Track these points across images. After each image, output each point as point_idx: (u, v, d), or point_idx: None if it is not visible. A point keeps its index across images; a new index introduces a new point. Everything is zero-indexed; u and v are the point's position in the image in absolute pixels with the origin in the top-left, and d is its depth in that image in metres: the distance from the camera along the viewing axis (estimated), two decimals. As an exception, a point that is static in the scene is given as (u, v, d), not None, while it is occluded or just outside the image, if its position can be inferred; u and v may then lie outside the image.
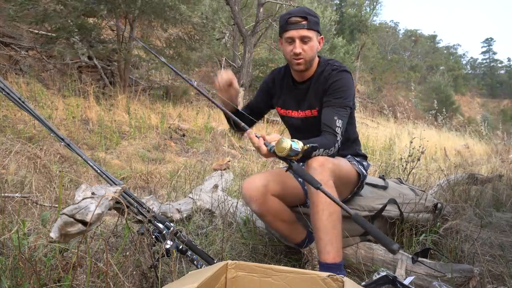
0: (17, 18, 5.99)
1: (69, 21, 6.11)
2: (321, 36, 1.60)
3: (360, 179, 1.69)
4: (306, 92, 1.64)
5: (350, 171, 1.62)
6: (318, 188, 1.20)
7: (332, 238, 1.36)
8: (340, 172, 1.52)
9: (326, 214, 1.36)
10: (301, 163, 1.78)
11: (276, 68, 1.79)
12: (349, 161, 1.66)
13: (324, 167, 1.40)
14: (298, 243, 1.65)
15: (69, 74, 6.72)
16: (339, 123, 1.49)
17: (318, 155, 1.43)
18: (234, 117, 1.46)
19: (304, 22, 1.48)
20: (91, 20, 6.98)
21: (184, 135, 5.97)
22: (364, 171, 1.70)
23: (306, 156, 1.41)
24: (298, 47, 1.51)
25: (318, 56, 1.65)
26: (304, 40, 1.51)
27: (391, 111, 9.81)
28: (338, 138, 1.48)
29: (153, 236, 1.33)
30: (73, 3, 5.75)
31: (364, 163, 1.75)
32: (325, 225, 1.36)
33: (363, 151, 1.82)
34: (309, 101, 1.64)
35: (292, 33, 1.50)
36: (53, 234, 1.08)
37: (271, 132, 5.27)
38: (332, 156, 1.49)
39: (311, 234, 1.64)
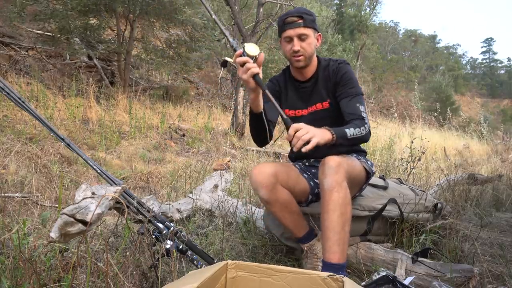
0: (22, 14, 5.97)
1: (71, 21, 6.10)
2: (319, 34, 1.65)
3: (369, 177, 1.72)
4: (313, 88, 1.69)
5: (361, 170, 1.64)
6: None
7: (340, 239, 1.36)
8: (353, 172, 1.54)
9: (337, 214, 1.37)
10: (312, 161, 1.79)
11: (272, 77, 1.80)
12: (357, 159, 1.68)
13: (340, 167, 1.40)
14: (299, 237, 1.64)
15: (71, 74, 6.72)
16: (362, 108, 1.56)
17: (353, 135, 1.45)
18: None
19: (300, 21, 1.55)
20: (92, 20, 6.97)
21: (184, 135, 5.97)
22: (372, 168, 1.73)
23: (343, 139, 1.42)
24: (297, 45, 1.57)
25: (317, 56, 1.70)
26: (301, 37, 1.57)
27: (397, 111, 9.82)
28: (366, 121, 1.54)
29: (153, 236, 1.33)
30: (77, 1, 5.73)
31: (368, 162, 1.76)
32: (334, 225, 1.36)
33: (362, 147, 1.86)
34: (317, 95, 1.68)
35: (290, 32, 1.56)
36: (53, 234, 1.08)
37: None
38: (365, 139, 1.53)
39: (312, 231, 1.65)
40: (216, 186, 2.58)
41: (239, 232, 2.00)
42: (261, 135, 1.56)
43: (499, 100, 39.07)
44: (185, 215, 2.18)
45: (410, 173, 3.43)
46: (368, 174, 1.70)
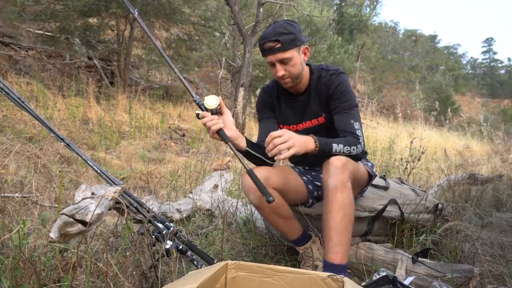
0: (22, 14, 5.97)
1: (71, 21, 6.10)
2: (305, 47, 1.56)
3: (371, 179, 1.71)
4: (307, 103, 1.64)
5: (364, 173, 1.64)
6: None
7: (343, 240, 1.36)
8: (357, 173, 1.53)
9: (341, 215, 1.36)
10: (310, 167, 1.79)
11: (265, 86, 1.76)
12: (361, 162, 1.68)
13: (346, 167, 1.39)
14: (292, 240, 1.64)
15: (71, 74, 6.72)
16: (357, 125, 1.51)
17: (340, 152, 1.43)
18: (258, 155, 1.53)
19: (278, 45, 1.46)
20: (92, 21, 6.96)
21: (184, 135, 5.97)
22: (374, 172, 1.72)
23: (326, 152, 1.41)
24: (280, 70, 1.51)
25: (308, 64, 1.63)
26: (283, 62, 1.49)
27: (401, 111, 9.82)
28: (361, 140, 1.49)
29: (153, 236, 1.33)
30: (77, 2, 5.74)
31: (369, 163, 1.76)
32: (337, 226, 1.36)
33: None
34: (312, 111, 1.63)
35: (270, 58, 1.50)
36: (53, 234, 1.08)
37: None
38: (357, 158, 1.49)
39: (306, 233, 1.65)
40: (216, 186, 2.58)
41: (239, 232, 2.00)
42: (259, 163, 1.57)
43: (499, 100, 39.05)
44: (185, 215, 2.18)
45: (410, 173, 3.43)
46: (370, 176, 1.69)
